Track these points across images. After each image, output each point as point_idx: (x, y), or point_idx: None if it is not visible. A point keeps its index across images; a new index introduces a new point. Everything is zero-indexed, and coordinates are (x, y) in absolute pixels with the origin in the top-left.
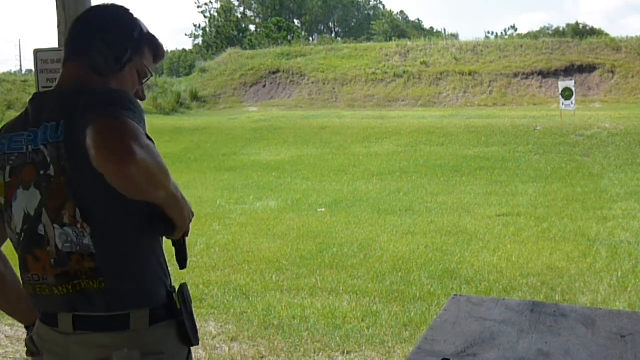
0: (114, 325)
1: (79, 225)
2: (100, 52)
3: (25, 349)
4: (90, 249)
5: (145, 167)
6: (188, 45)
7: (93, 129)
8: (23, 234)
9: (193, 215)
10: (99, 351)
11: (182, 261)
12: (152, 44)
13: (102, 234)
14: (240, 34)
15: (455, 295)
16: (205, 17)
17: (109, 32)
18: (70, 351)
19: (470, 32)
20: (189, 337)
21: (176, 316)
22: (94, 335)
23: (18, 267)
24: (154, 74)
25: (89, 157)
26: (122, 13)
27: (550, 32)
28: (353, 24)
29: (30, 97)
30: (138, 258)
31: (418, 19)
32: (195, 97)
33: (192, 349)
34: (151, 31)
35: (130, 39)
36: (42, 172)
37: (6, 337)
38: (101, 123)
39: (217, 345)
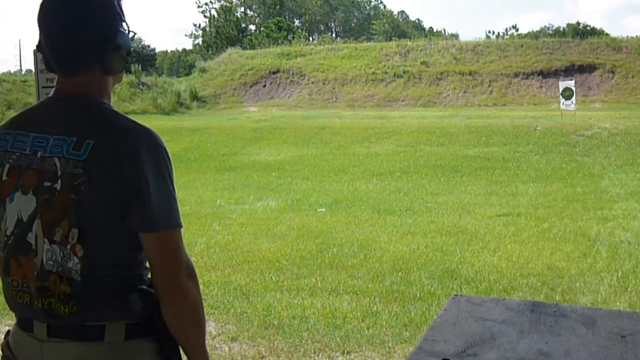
0: (88, 335)
1: (69, 247)
2: (115, 58)
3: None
4: (72, 273)
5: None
6: (188, 45)
7: (155, 240)
8: (12, 237)
9: None
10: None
11: None
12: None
13: (94, 261)
14: (240, 34)
15: (455, 295)
16: (205, 17)
17: (113, 31)
18: (45, 358)
19: (470, 32)
20: (167, 355)
21: (154, 333)
22: (68, 343)
23: None
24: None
25: (110, 189)
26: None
27: (551, 32)
28: (353, 24)
29: (43, 99)
30: (120, 285)
31: (418, 19)
32: (195, 97)
33: None
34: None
35: (128, 38)
36: (45, 184)
37: None
38: (162, 237)
39: (217, 346)
